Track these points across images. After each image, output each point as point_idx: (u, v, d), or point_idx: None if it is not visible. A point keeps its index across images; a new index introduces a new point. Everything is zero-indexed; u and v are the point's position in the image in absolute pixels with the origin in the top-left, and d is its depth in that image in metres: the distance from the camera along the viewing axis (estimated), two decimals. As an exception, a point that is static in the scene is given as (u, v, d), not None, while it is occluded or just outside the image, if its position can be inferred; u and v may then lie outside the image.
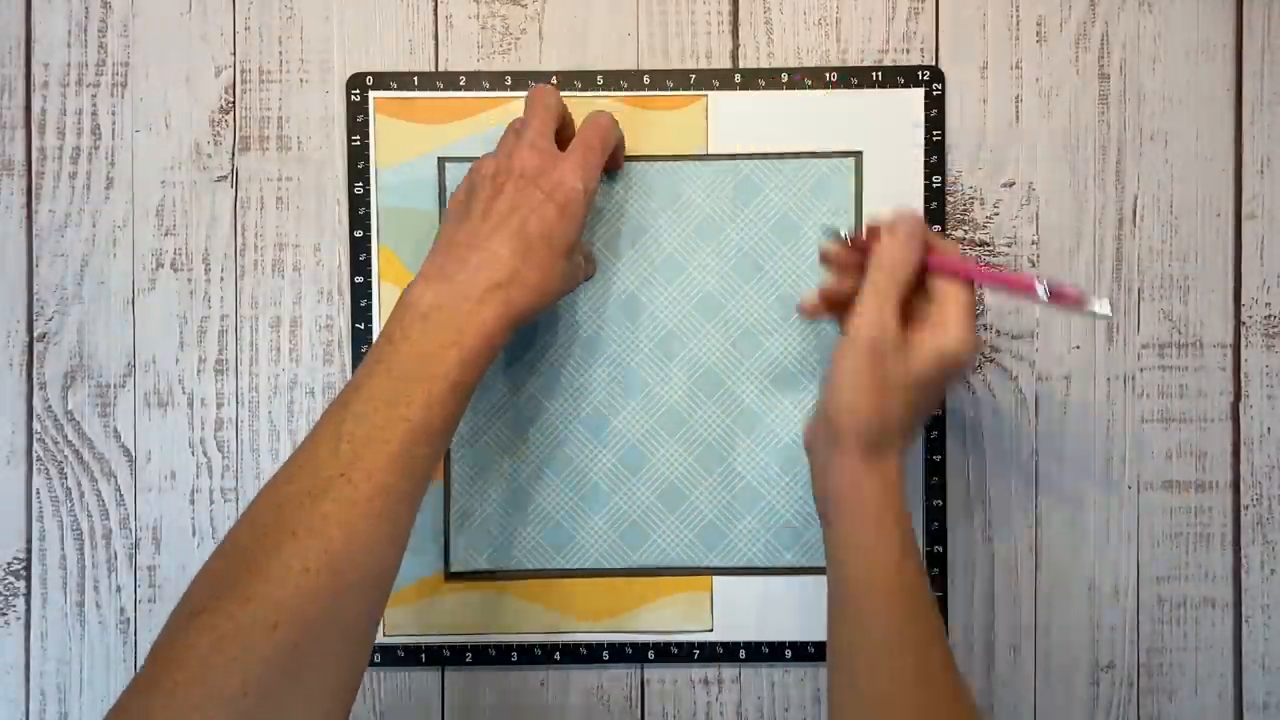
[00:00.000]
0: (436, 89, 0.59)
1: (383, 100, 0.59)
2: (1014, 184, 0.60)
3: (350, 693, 0.43)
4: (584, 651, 0.59)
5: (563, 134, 0.54)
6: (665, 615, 0.59)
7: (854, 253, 0.52)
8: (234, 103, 0.60)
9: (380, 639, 0.59)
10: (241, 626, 0.40)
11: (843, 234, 0.53)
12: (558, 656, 0.59)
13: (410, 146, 0.59)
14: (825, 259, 0.54)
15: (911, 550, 0.48)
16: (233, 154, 0.60)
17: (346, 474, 0.43)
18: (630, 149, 0.58)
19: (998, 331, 0.60)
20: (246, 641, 0.40)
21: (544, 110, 0.53)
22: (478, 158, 0.53)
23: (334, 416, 0.45)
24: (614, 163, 0.57)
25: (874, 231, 0.51)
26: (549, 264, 0.49)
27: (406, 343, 0.46)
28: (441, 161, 0.59)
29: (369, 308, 0.59)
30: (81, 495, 0.59)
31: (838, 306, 0.53)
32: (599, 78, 0.59)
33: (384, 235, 0.59)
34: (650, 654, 0.59)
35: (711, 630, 0.59)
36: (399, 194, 0.59)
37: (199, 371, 0.59)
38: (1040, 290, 0.49)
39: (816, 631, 0.59)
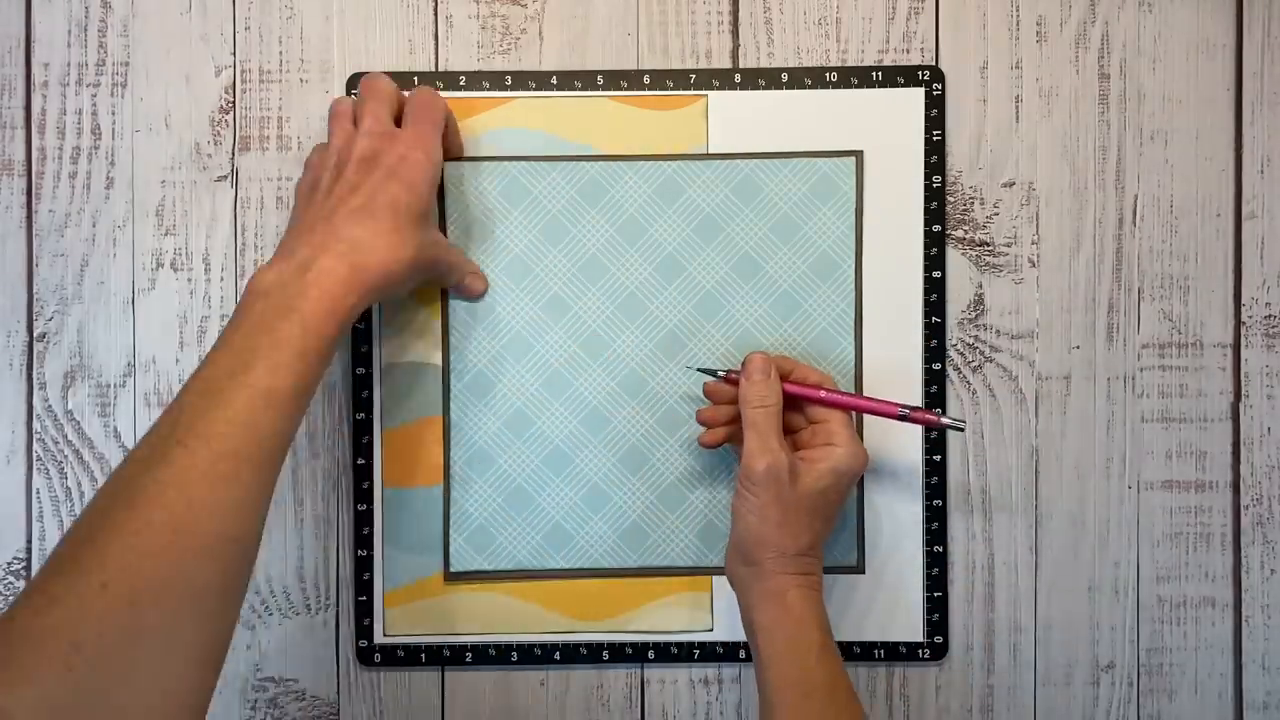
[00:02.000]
0: (436, 89, 0.59)
1: None
2: (1014, 184, 0.60)
3: (212, 657, 0.43)
4: (584, 651, 0.59)
5: (397, 119, 0.55)
6: (665, 615, 0.59)
7: (731, 385, 0.55)
8: (234, 103, 0.60)
9: (380, 639, 0.59)
10: (71, 588, 0.39)
11: (719, 373, 0.56)
12: (558, 656, 0.59)
13: None
14: (707, 393, 0.57)
15: (829, 648, 0.51)
16: (233, 154, 0.60)
17: (183, 441, 0.43)
18: (630, 149, 0.59)
19: (998, 332, 0.60)
20: (76, 601, 0.39)
21: (378, 98, 0.53)
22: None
23: (178, 396, 0.45)
24: (453, 146, 0.58)
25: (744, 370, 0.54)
26: (398, 232, 0.50)
27: (247, 320, 0.47)
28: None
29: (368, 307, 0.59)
30: (82, 495, 0.59)
31: (735, 436, 0.56)
32: (599, 78, 0.59)
33: None
34: (650, 654, 0.59)
35: (711, 630, 0.59)
36: None
37: (199, 371, 0.59)
38: (900, 412, 0.54)
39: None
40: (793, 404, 0.54)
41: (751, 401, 0.53)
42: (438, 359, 0.59)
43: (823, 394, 0.54)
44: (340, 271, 0.48)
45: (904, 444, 0.59)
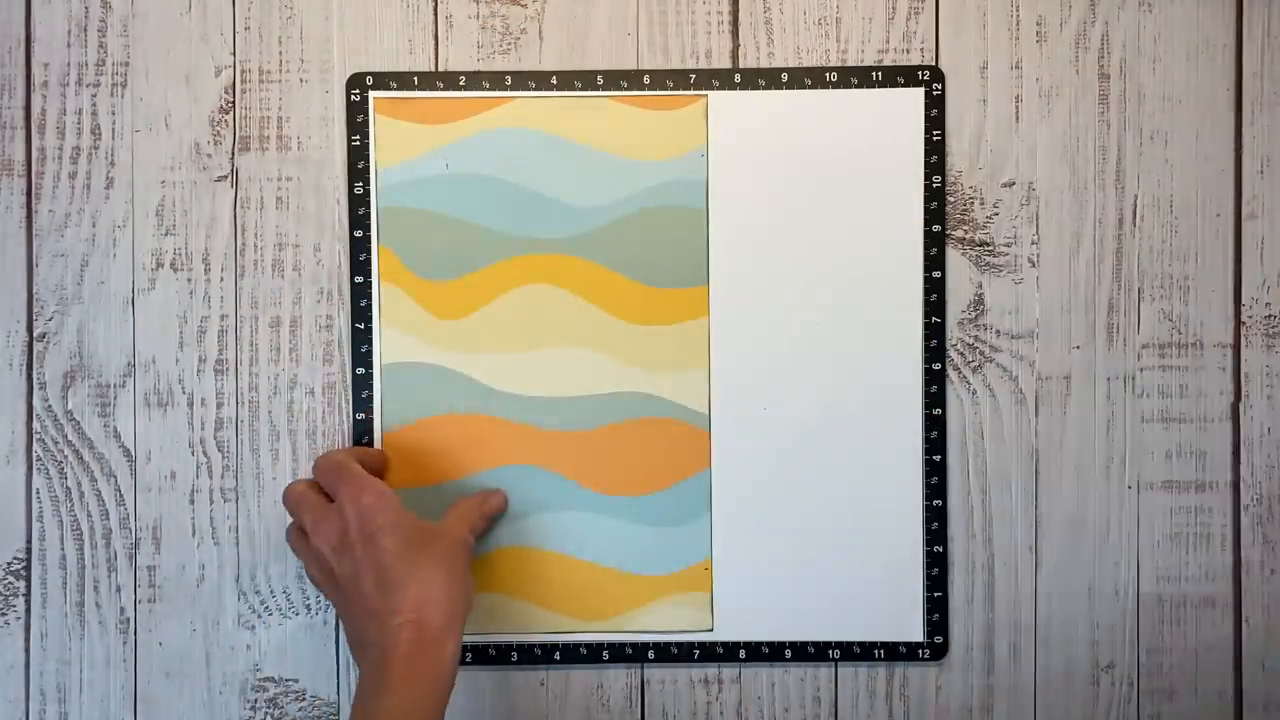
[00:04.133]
0: (436, 89, 0.59)
1: (382, 100, 0.59)
2: (1014, 184, 0.60)
3: None
4: (584, 651, 0.59)
5: (367, 464, 0.56)
6: (665, 615, 0.59)
7: None
8: (234, 103, 0.60)
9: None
10: None
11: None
12: (557, 656, 0.59)
13: (410, 146, 0.59)
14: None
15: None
16: (233, 154, 0.60)
17: None
18: (629, 151, 0.59)
19: (998, 332, 0.60)
20: None
21: (303, 505, 0.54)
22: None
23: None
24: (379, 470, 0.58)
25: None
26: (421, 569, 0.52)
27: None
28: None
29: (369, 307, 0.59)
30: (81, 495, 0.59)
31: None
32: (599, 78, 0.59)
33: (384, 235, 0.59)
34: (650, 654, 0.59)
35: (711, 630, 0.59)
36: (399, 193, 0.59)
37: (199, 371, 0.59)
38: None
39: (816, 631, 0.59)
40: None
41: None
42: (439, 359, 0.59)
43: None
44: (414, 647, 0.50)
45: (904, 444, 0.59)
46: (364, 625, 0.51)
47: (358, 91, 0.59)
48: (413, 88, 0.59)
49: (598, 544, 0.59)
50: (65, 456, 0.59)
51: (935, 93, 0.59)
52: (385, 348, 0.59)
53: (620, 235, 0.59)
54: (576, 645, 0.59)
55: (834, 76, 0.59)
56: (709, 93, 0.59)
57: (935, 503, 0.59)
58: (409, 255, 0.59)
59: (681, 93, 0.59)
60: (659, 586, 0.59)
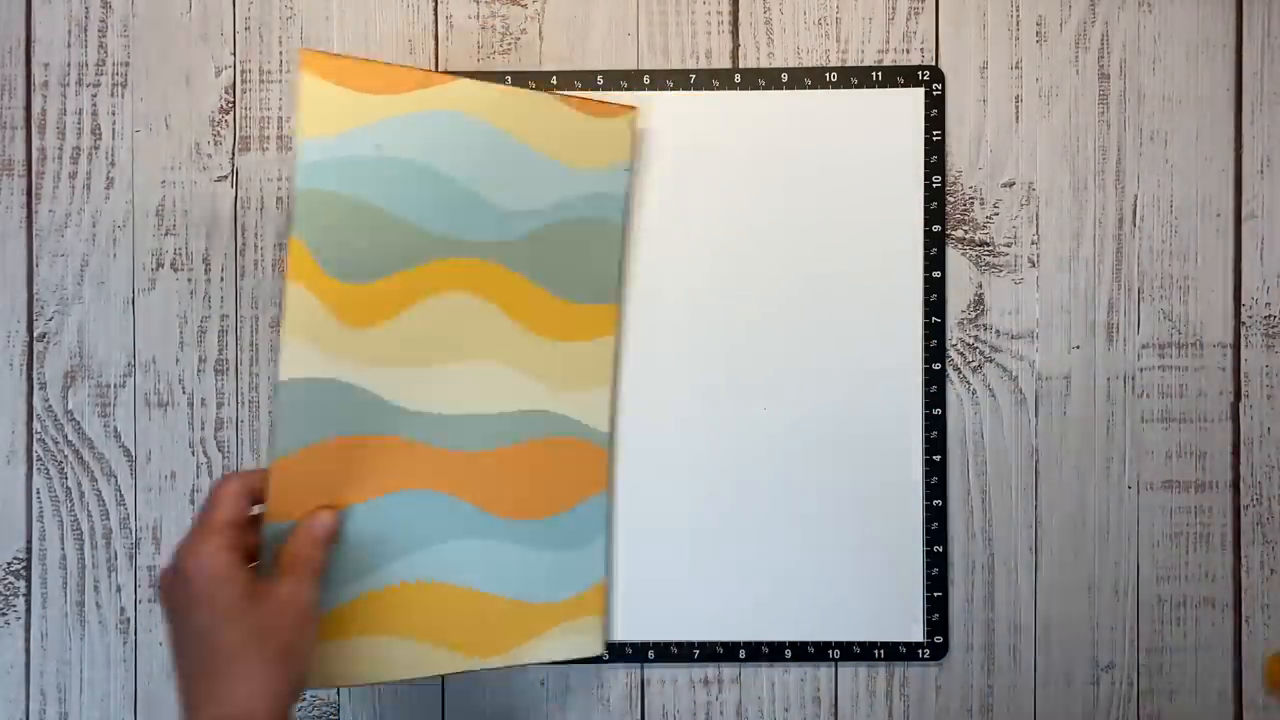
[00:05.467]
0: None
1: (313, 56, 0.49)
2: (1014, 184, 0.60)
3: None
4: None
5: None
6: (558, 643, 0.56)
7: None
8: (234, 103, 0.60)
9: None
10: None
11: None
12: (558, 656, 0.59)
13: (339, 116, 0.50)
14: None
15: None
16: (233, 154, 0.60)
17: None
18: (566, 156, 0.54)
19: (998, 332, 0.60)
20: None
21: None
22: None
23: None
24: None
25: None
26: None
27: None
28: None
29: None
30: (81, 495, 0.59)
31: None
32: (599, 78, 0.59)
33: (300, 223, 0.49)
34: (650, 653, 0.59)
35: (605, 657, 0.58)
36: (321, 173, 0.49)
37: (199, 371, 0.59)
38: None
39: (816, 631, 0.59)
40: None
41: None
42: (341, 373, 0.51)
43: None
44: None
45: (904, 444, 0.59)
46: (180, 690, 0.45)
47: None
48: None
49: (498, 573, 0.55)
50: (65, 456, 0.59)
51: (935, 93, 0.59)
52: (288, 363, 0.49)
53: (545, 245, 0.55)
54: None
55: (834, 76, 0.59)
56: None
57: (935, 503, 0.59)
58: (324, 251, 0.50)
59: (617, 102, 0.56)
60: (554, 614, 0.56)
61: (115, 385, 0.59)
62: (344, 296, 0.50)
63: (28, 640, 0.59)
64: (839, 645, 0.59)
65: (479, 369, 0.54)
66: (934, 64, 0.60)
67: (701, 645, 0.59)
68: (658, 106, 0.59)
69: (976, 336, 0.60)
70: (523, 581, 0.55)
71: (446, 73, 0.56)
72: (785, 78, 0.59)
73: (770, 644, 0.59)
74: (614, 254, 0.57)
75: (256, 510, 0.49)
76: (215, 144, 0.60)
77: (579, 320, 0.56)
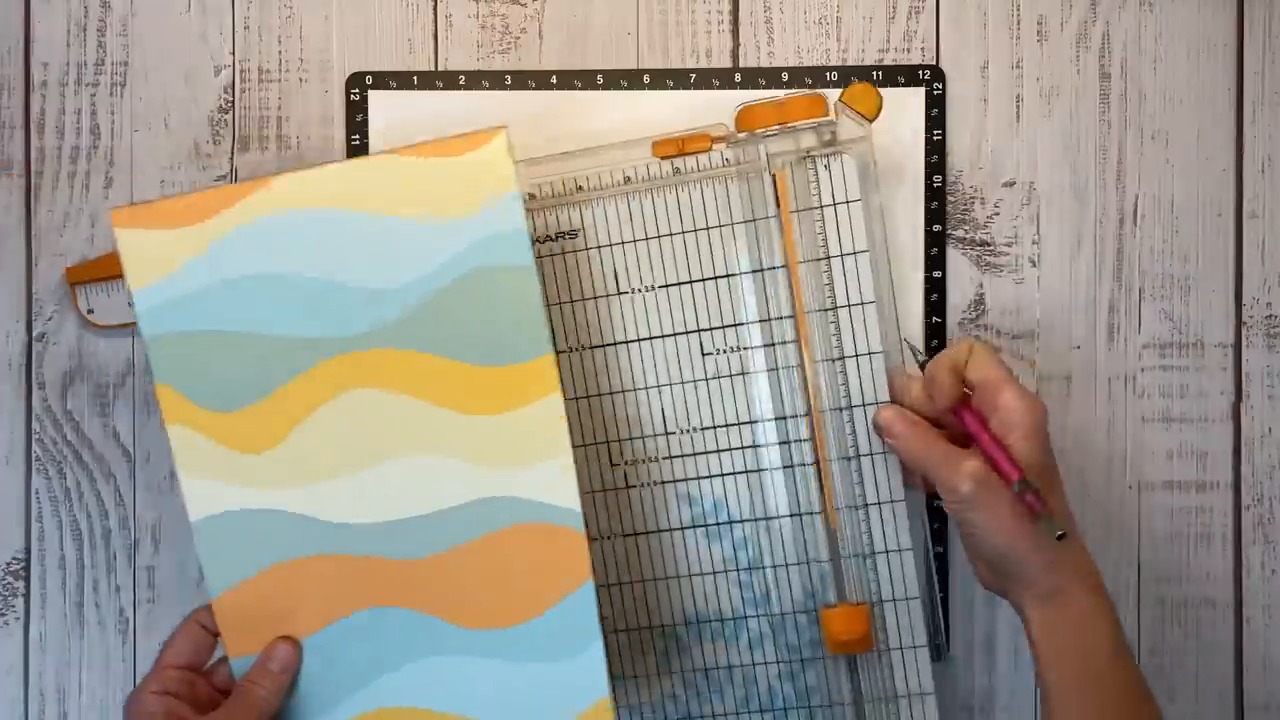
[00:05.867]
0: (436, 88, 0.59)
1: (119, 211, 0.49)
2: (1014, 184, 0.60)
3: None
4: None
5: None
6: None
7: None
8: (234, 102, 0.60)
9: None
10: None
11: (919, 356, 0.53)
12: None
13: (164, 258, 0.49)
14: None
15: (1120, 649, 0.49)
16: (232, 154, 0.60)
17: None
18: (426, 210, 0.49)
19: (998, 332, 0.60)
20: None
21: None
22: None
23: None
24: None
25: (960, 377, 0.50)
26: None
27: None
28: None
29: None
30: (81, 495, 0.59)
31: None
32: (599, 78, 0.59)
33: (159, 370, 0.49)
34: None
35: None
36: (164, 318, 0.49)
37: (199, 371, 0.59)
38: (1015, 486, 0.48)
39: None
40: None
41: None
42: (256, 501, 0.50)
43: (985, 437, 0.50)
44: None
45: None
46: None
47: (357, 91, 0.59)
48: (412, 87, 0.59)
49: (477, 694, 0.50)
50: (65, 457, 0.59)
51: (936, 92, 0.59)
52: (193, 502, 0.49)
53: (441, 312, 0.49)
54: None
55: (834, 76, 0.59)
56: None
57: (935, 503, 0.59)
58: (193, 388, 0.49)
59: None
60: None
61: (115, 385, 0.59)
62: (229, 426, 0.49)
63: (27, 641, 0.59)
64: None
65: (405, 465, 0.49)
66: (935, 63, 0.59)
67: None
68: (658, 106, 0.59)
69: (977, 336, 0.59)
70: (501, 703, 0.49)
71: (259, 178, 0.50)
72: (785, 77, 0.59)
73: (770, 644, 0.59)
74: (529, 299, 0.49)
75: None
76: (214, 143, 0.60)
77: (509, 384, 0.49)
